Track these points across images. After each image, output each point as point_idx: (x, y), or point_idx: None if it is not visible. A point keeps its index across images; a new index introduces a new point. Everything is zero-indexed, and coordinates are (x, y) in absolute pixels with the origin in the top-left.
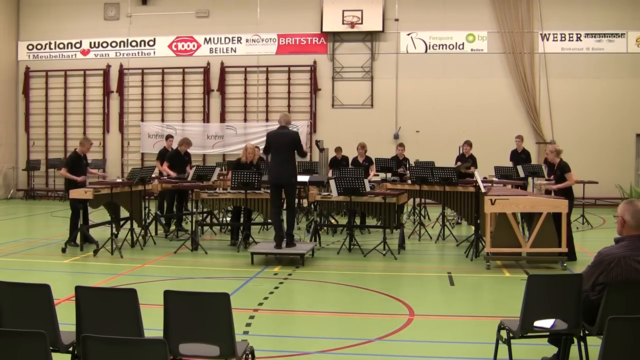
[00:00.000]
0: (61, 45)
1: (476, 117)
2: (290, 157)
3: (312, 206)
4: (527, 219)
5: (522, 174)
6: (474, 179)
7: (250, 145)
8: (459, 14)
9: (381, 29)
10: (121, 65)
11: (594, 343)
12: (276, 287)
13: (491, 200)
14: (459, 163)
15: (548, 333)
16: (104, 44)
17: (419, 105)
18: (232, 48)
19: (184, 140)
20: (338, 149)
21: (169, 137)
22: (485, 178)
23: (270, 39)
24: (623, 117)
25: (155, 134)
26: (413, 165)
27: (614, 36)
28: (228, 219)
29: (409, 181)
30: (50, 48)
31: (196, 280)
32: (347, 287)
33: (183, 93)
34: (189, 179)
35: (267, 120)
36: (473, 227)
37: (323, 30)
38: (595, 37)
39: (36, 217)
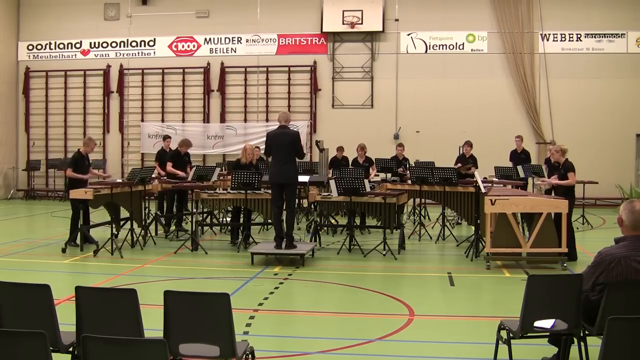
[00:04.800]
0: (61, 46)
1: (476, 117)
2: (290, 157)
3: (312, 206)
4: (527, 219)
5: (522, 174)
6: (474, 179)
7: (249, 146)
8: (459, 14)
9: (381, 29)
10: (121, 66)
11: (594, 343)
12: (276, 287)
13: (491, 200)
14: (459, 164)
15: (548, 333)
16: (104, 44)
17: (419, 105)
18: (232, 48)
19: (184, 141)
20: (340, 149)
21: (166, 137)
22: (486, 178)
23: (270, 39)
24: (623, 117)
25: (155, 134)
26: (413, 165)
27: (614, 36)
28: (228, 219)
29: (409, 181)
30: (50, 48)
31: (196, 280)
32: (347, 287)
33: (183, 93)
34: (189, 179)
35: (267, 120)
36: (473, 228)
37: (323, 31)
38: (595, 37)
39: (36, 218)
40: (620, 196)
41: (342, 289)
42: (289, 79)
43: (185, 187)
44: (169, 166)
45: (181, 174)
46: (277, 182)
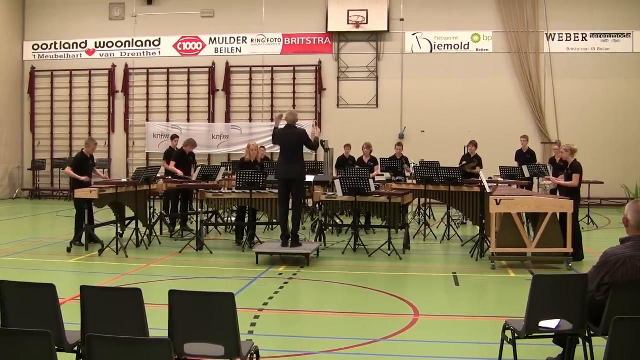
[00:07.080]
0: (66, 45)
1: (481, 117)
2: (298, 156)
3: (317, 206)
4: (532, 219)
5: (527, 174)
6: (479, 179)
7: (253, 144)
8: (464, 14)
9: (386, 29)
10: (126, 65)
11: (599, 344)
12: (281, 287)
13: (496, 200)
14: (464, 163)
15: (553, 333)
16: (109, 44)
17: (424, 105)
18: (237, 48)
19: (190, 141)
20: (347, 146)
21: (174, 137)
22: (491, 178)
23: (276, 38)
24: (628, 117)
25: (160, 133)
26: (415, 164)
27: (620, 36)
28: (233, 218)
29: (412, 181)
30: (55, 48)
31: (201, 280)
32: (352, 287)
33: (188, 93)
34: (194, 178)
35: (272, 120)
36: (478, 227)
37: (328, 30)
38: (600, 37)
39: (41, 217)
40: (625, 196)
41: (347, 288)
42: (294, 78)
43: (190, 186)
44: (171, 164)
45: (180, 173)
46: (284, 178)
